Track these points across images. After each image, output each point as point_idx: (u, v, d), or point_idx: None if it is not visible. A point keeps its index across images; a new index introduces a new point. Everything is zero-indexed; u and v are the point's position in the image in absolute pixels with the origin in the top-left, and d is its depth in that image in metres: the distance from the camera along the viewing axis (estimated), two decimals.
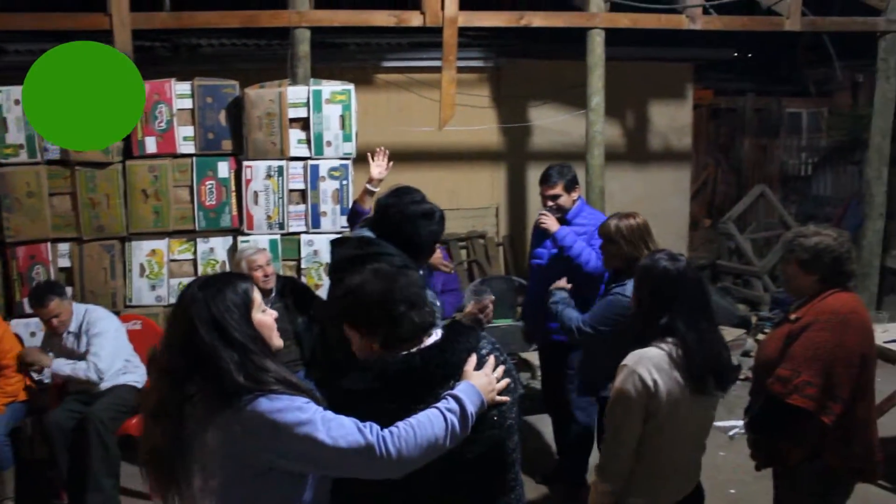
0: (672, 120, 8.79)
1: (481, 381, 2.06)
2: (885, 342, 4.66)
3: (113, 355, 4.39)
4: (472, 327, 2.27)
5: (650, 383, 2.50)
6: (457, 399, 2.01)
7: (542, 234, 4.41)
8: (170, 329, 2.04)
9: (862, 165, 7.89)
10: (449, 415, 1.97)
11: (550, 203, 4.31)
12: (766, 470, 3.14)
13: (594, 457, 4.44)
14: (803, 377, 2.82)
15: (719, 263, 9.39)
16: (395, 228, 2.96)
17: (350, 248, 2.93)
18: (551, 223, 4.24)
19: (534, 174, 7.88)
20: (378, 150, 4.31)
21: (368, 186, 4.17)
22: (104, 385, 4.38)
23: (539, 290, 4.29)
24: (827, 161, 11.38)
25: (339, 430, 1.90)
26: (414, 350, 2.11)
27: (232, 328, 1.96)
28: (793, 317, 3.01)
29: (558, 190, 4.30)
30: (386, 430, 1.93)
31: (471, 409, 2.00)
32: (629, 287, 3.14)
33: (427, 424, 1.95)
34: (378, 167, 4.24)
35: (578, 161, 5.94)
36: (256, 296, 2.08)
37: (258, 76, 5.61)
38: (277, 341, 2.11)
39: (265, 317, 2.09)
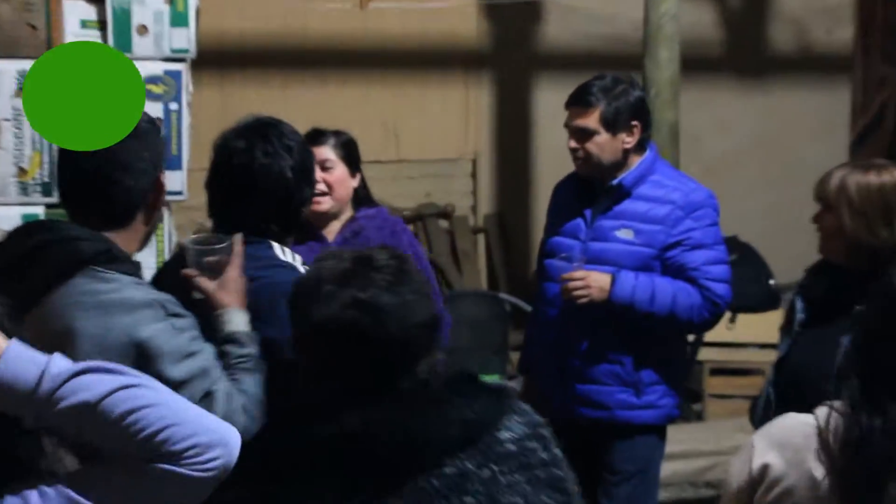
0: None
1: None
2: None
3: None
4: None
5: (756, 466, 1.88)
6: None
7: (564, 206, 3.04)
8: None
9: None
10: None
11: (576, 148, 2.82)
12: None
13: None
14: None
15: None
16: None
17: None
18: (594, 290, 2.78)
19: (545, 97, 5.57)
20: None
21: None
22: None
23: (562, 319, 2.99)
24: None
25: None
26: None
27: None
28: None
29: (592, 122, 2.79)
30: None
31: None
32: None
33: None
34: None
35: (632, 71, 4.03)
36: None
37: None
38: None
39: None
